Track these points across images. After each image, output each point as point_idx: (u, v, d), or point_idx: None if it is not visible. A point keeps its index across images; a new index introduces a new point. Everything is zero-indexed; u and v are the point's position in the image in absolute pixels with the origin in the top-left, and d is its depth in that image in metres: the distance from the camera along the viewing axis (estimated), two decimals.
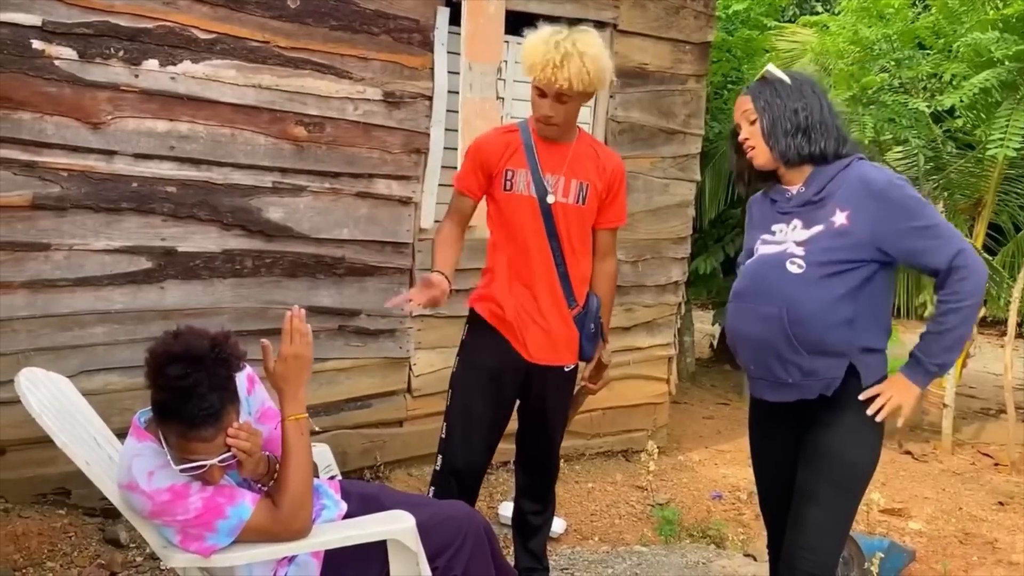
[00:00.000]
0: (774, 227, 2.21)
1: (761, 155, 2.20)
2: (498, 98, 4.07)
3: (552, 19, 4.14)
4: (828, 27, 5.77)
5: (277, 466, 2.04)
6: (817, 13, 6.16)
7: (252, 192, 3.54)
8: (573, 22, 4.22)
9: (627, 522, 3.91)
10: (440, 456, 2.69)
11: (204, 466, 1.86)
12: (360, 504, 2.27)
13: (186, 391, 1.79)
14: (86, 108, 3.14)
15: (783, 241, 2.15)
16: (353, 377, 3.90)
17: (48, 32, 3.04)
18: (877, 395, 2.07)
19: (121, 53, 3.18)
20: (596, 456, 4.77)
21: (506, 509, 3.66)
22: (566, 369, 2.69)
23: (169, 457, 1.85)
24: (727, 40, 5.91)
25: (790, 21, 7.31)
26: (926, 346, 2.08)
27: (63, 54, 3.08)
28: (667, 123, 4.68)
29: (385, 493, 2.40)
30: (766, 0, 6.29)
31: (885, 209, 2.04)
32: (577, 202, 2.60)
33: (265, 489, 2.05)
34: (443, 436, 2.70)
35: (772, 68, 2.24)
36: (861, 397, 2.08)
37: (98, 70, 3.15)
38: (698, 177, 4.93)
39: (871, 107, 5.12)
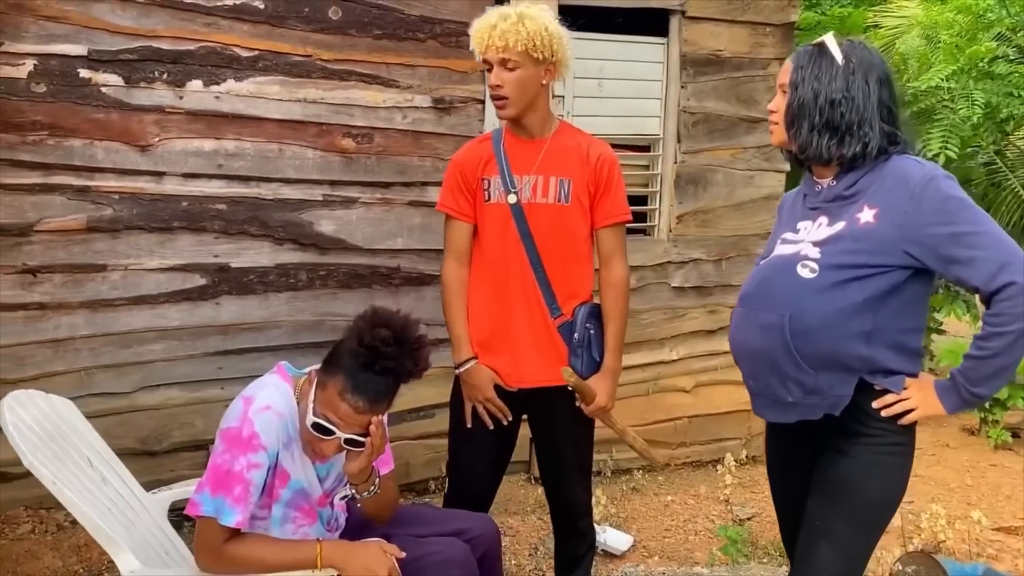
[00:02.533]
0: (800, 224, 1.95)
1: (777, 135, 1.97)
2: (554, 96, 3.92)
3: (609, 11, 4.05)
4: None
5: (377, 479, 2.05)
6: None
7: (303, 206, 3.55)
8: (633, 13, 4.11)
9: (702, 539, 3.67)
10: (448, 479, 2.59)
11: (332, 432, 1.88)
12: (362, 527, 2.21)
13: (376, 355, 1.84)
14: (134, 132, 3.24)
15: (800, 241, 1.91)
16: (414, 387, 3.76)
17: (94, 60, 3.15)
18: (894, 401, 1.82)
19: (165, 76, 3.26)
20: (682, 467, 4.53)
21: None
22: (570, 387, 2.45)
23: (312, 400, 1.90)
24: (821, 21, 5.50)
25: None
26: (966, 369, 1.78)
27: (109, 81, 3.18)
28: (748, 111, 4.39)
29: (401, 514, 2.32)
30: None
31: (919, 207, 1.75)
32: (558, 201, 2.40)
33: (353, 497, 2.07)
34: (448, 460, 2.59)
35: (830, 39, 1.92)
36: (876, 404, 1.82)
37: (143, 94, 3.24)
38: (787, 167, 4.59)
39: (984, 81, 4.62)
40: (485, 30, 2.34)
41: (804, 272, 1.84)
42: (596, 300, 2.52)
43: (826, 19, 5.49)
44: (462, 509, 2.44)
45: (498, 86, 2.35)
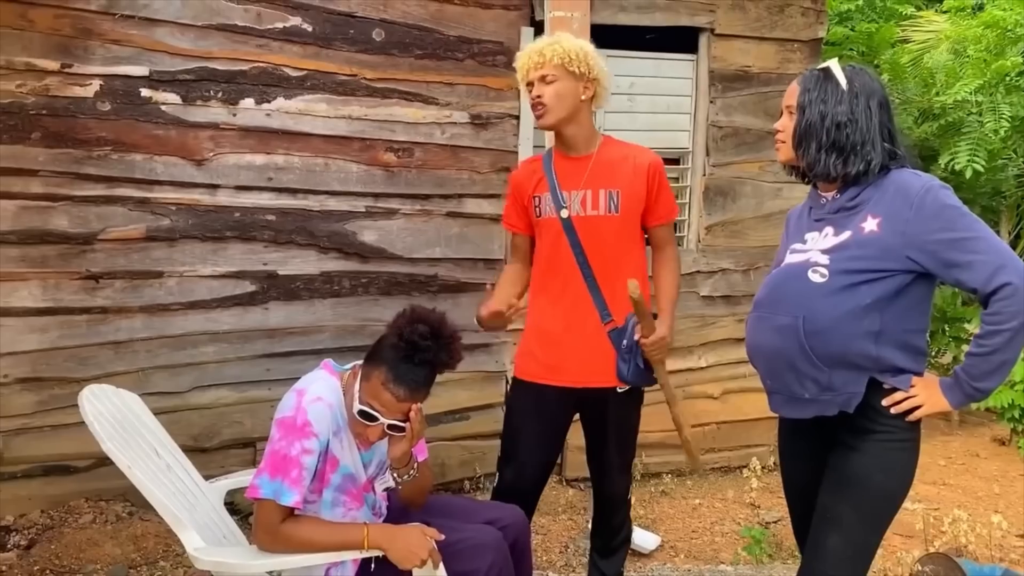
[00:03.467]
0: (807, 235, 2.08)
1: (784, 153, 2.10)
2: None
3: (641, 30, 4.20)
4: (980, 9, 5.34)
5: (416, 464, 2.22)
6: None
7: (347, 217, 3.74)
8: (664, 31, 4.25)
9: (728, 540, 3.78)
10: (499, 474, 2.74)
11: (376, 419, 2.06)
12: (403, 513, 2.37)
13: (415, 348, 2.02)
14: (190, 147, 3.46)
15: (809, 249, 2.04)
16: (451, 390, 4.01)
17: (154, 80, 3.37)
18: (903, 399, 1.94)
19: (220, 95, 3.47)
20: (710, 472, 4.64)
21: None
22: (619, 390, 2.57)
23: (357, 390, 2.07)
24: (849, 36, 5.57)
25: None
26: (968, 366, 1.90)
27: (168, 99, 3.40)
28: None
29: (436, 504, 2.47)
30: None
31: (919, 215, 1.88)
32: (608, 212, 2.54)
33: (396, 483, 2.22)
34: (500, 455, 2.74)
35: (834, 65, 2.06)
36: (885, 402, 1.94)
37: (199, 112, 3.45)
38: None
39: (1014, 94, 4.68)
40: (526, 54, 2.53)
41: (815, 277, 1.97)
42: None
43: (854, 35, 5.57)
44: (511, 503, 2.53)
45: (538, 96, 2.50)
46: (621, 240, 2.57)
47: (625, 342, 2.52)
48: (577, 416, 2.74)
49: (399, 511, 2.37)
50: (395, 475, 2.22)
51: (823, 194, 2.08)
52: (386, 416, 2.06)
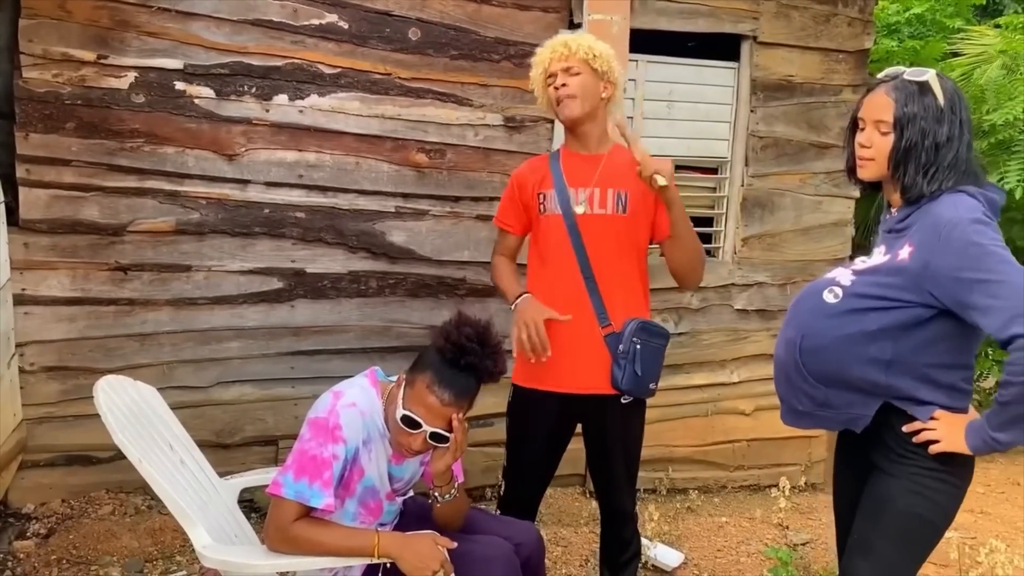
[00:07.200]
0: (875, 249, 1.99)
1: (875, 171, 1.92)
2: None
3: (682, 35, 4.12)
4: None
5: (456, 484, 2.18)
6: (999, 13, 5.49)
7: (376, 217, 3.71)
8: (706, 38, 4.17)
9: (754, 561, 3.68)
10: (504, 483, 2.68)
11: (419, 425, 2.01)
12: (416, 520, 2.32)
13: (461, 350, 2.00)
14: (222, 141, 3.45)
15: (849, 268, 1.97)
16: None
17: (189, 74, 3.36)
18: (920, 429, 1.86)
19: (253, 90, 3.46)
20: (739, 489, 4.54)
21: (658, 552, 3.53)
22: (623, 400, 2.51)
23: (401, 397, 2.04)
24: (893, 51, 5.42)
25: (994, 15, 6.58)
26: (990, 414, 1.77)
27: (202, 93, 3.39)
28: (818, 137, 4.40)
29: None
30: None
31: (944, 249, 1.76)
32: (616, 211, 2.49)
33: (436, 502, 2.17)
34: (504, 464, 2.68)
35: (934, 77, 1.88)
36: (905, 428, 1.87)
37: (233, 106, 3.44)
38: (856, 193, 4.58)
39: None
40: (549, 46, 2.53)
41: (828, 297, 1.91)
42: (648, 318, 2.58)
43: (899, 50, 5.42)
44: (513, 511, 2.55)
45: (563, 85, 2.47)
46: (624, 244, 2.51)
47: (622, 347, 2.45)
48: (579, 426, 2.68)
49: (413, 517, 2.32)
50: (436, 494, 2.17)
51: (890, 209, 1.99)
52: (429, 423, 2.01)
